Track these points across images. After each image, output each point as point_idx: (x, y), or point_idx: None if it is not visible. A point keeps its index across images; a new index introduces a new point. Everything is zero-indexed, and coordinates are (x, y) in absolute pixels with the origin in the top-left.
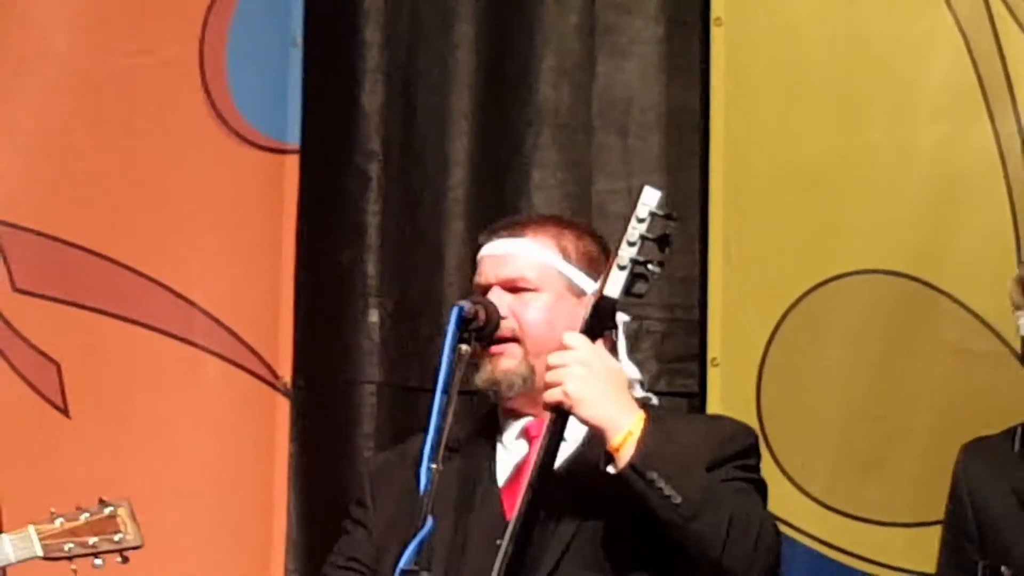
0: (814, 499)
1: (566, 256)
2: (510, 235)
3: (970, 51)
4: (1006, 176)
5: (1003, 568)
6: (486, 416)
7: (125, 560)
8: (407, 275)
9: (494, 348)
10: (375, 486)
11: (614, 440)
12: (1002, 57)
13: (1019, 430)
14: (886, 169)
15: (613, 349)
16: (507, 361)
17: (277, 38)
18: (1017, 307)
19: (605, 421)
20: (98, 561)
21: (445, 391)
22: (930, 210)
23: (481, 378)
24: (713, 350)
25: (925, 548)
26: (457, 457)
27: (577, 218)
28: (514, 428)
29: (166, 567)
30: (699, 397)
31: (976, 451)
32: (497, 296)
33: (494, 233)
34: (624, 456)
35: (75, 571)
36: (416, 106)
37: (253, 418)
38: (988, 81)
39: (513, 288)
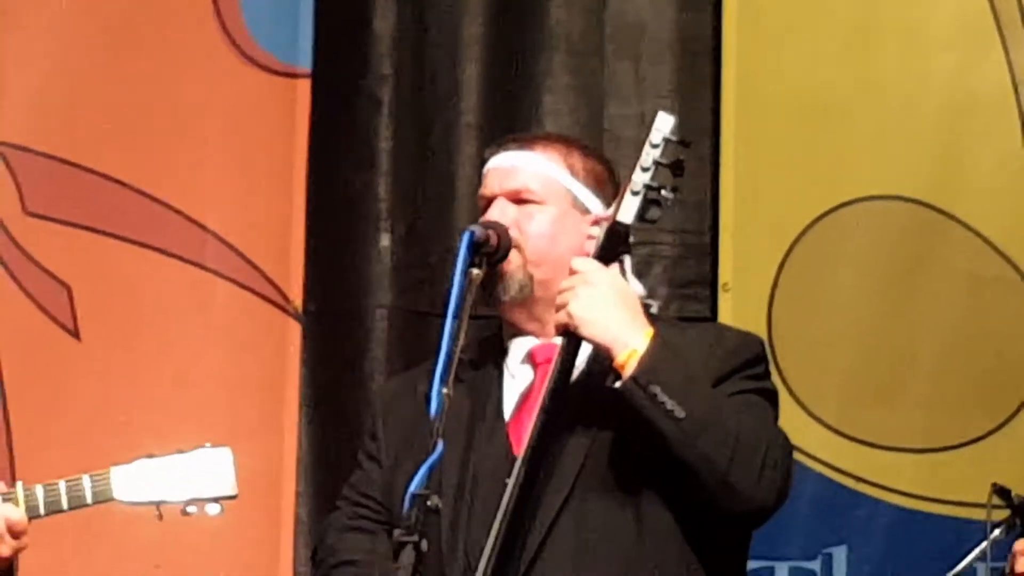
0: (825, 425)
1: (573, 172)
2: (518, 148)
3: None
4: (1018, 104)
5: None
6: (491, 340)
7: (221, 511)
8: (418, 200)
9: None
10: (384, 415)
11: (620, 356)
12: None
13: None
14: (898, 96)
15: (622, 272)
16: (505, 266)
17: None
18: None
19: (611, 340)
20: (191, 510)
21: (456, 315)
22: (942, 137)
23: (510, 292)
24: (724, 275)
25: (936, 473)
26: (463, 386)
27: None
28: (519, 351)
29: None
30: (709, 321)
31: None
32: (501, 207)
33: (501, 146)
34: (627, 371)
35: (160, 517)
36: (428, 31)
37: (264, 342)
38: (1001, 10)
39: (518, 199)
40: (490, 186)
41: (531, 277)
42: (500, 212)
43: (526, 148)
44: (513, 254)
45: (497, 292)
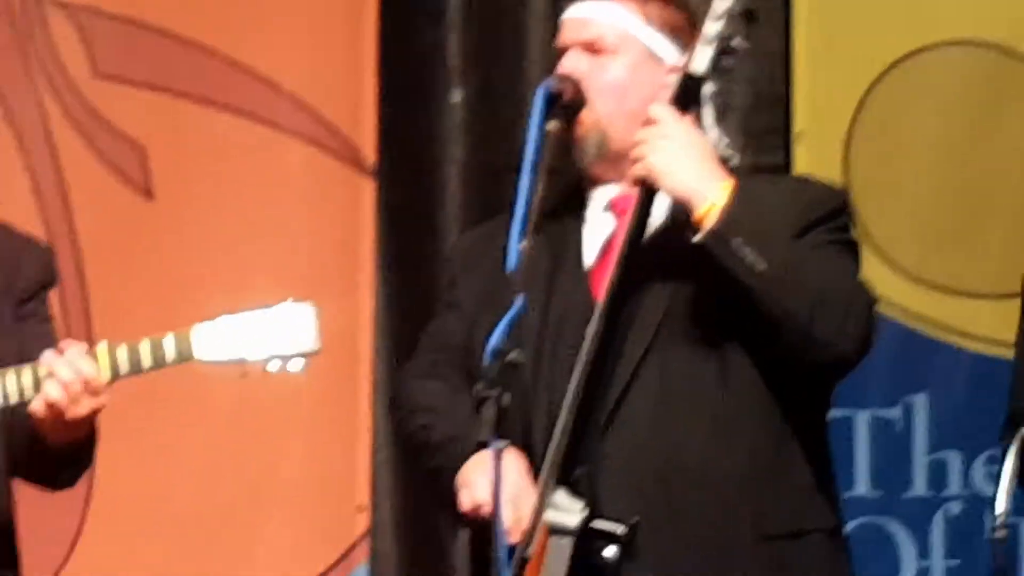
0: (903, 272)
1: (649, 21)
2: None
3: None
4: None
5: None
6: (570, 191)
7: (304, 366)
8: (489, 56)
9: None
10: (463, 267)
11: (699, 209)
12: None
13: None
14: None
15: (698, 124)
16: (579, 128)
17: None
18: None
19: (690, 191)
20: (273, 366)
21: (533, 169)
22: None
23: (587, 147)
24: (798, 124)
25: (1013, 319)
26: (543, 237)
27: None
28: (599, 199)
29: None
30: (785, 170)
31: None
32: (575, 58)
33: None
34: (706, 224)
35: (245, 375)
36: None
37: (339, 199)
38: None
39: (591, 50)
40: (565, 37)
41: (605, 134)
42: (573, 62)
43: None
44: (585, 113)
45: (575, 155)
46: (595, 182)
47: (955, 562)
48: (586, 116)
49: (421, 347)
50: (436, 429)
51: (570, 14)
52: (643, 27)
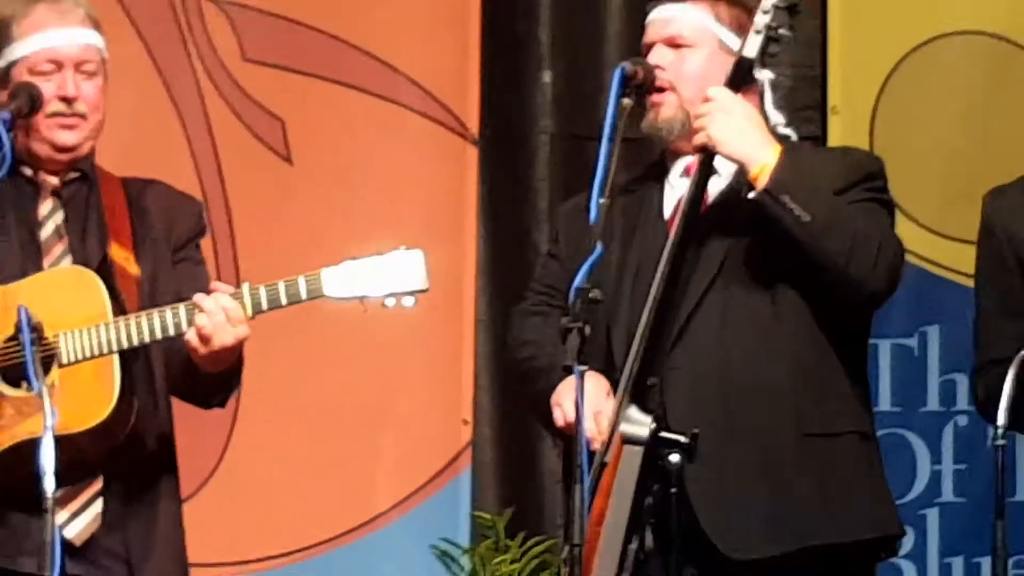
0: (922, 225)
1: (719, 19)
2: (673, 1)
3: None
4: None
5: None
6: (655, 162)
7: (415, 303)
8: (574, 42)
9: (655, 97)
10: (564, 225)
11: (753, 170)
12: None
13: None
14: None
15: (760, 101)
16: (666, 110)
17: None
18: None
19: (744, 156)
20: (390, 302)
21: (611, 138)
22: None
23: (646, 125)
24: (833, 99)
25: None
26: (629, 196)
27: None
28: (678, 167)
29: None
30: (822, 140)
31: (999, 194)
32: (660, 52)
33: (659, 1)
34: (760, 183)
35: (366, 310)
36: None
37: (447, 164)
38: None
39: (674, 45)
40: (650, 35)
41: (687, 114)
42: (659, 56)
43: (680, 0)
44: (669, 96)
45: (663, 136)
46: (677, 154)
47: (962, 466)
48: (669, 100)
49: (529, 290)
50: (538, 359)
51: (654, 15)
52: (715, 23)
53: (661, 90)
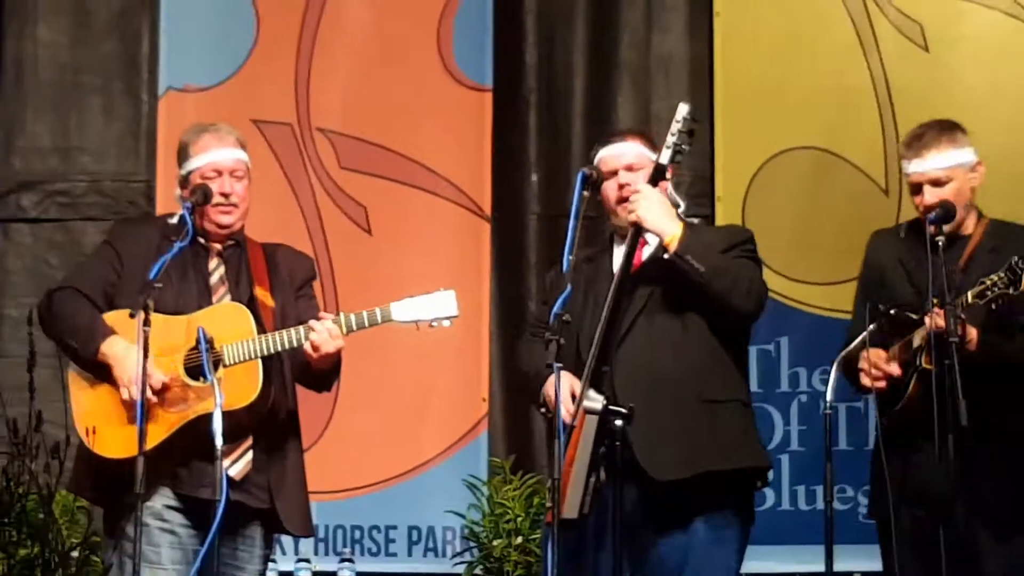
0: (776, 272)
1: (647, 146)
2: (620, 140)
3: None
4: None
5: (879, 305)
6: (607, 240)
7: (450, 323)
8: (551, 154)
9: (625, 205)
10: (549, 286)
11: (666, 239)
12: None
13: (903, 225)
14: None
15: (666, 191)
16: (622, 211)
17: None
18: (902, 157)
19: (660, 229)
20: (434, 323)
21: (576, 216)
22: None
23: (619, 220)
24: (718, 191)
25: (832, 296)
26: (590, 262)
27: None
28: (620, 244)
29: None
30: (711, 219)
31: (878, 236)
32: (624, 176)
33: (610, 139)
34: (672, 247)
35: (418, 329)
36: (553, 48)
37: (470, 236)
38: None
39: (629, 169)
40: (611, 164)
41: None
42: (625, 177)
43: (627, 139)
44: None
45: (613, 220)
46: (620, 236)
47: (804, 427)
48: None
49: (529, 325)
50: (532, 369)
51: (607, 151)
52: (646, 150)
53: (625, 199)
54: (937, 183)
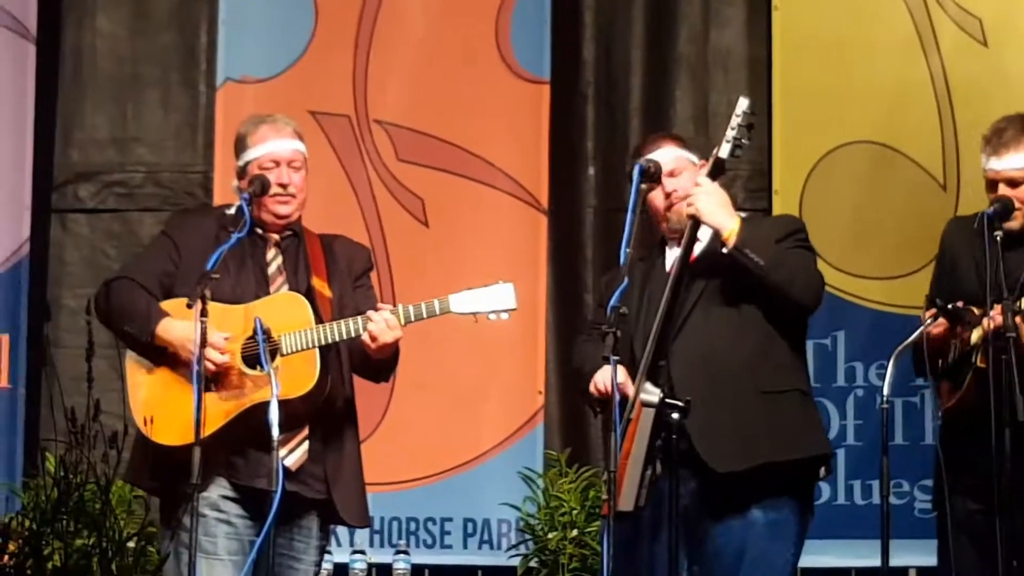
0: (833, 266)
1: (688, 150)
2: (656, 147)
3: None
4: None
5: (937, 300)
6: (658, 242)
7: (508, 316)
8: (608, 147)
9: (674, 208)
10: (607, 286)
11: (724, 233)
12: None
13: (981, 215)
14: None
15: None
16: (673, 213)
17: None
18: (982, 151)
19: (719, 223)
20: (492, 316)
21: (634, 210)
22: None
23: (673, 223)
24: (776, 185)
25: (894, 290)
26: (644, 260)
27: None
28: (672, 245)
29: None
30: (768, 212)
31: (956, 222)
32: (668, 183)
33: (643, 149)
34: (730, 242)
35: (476, 321)
36: (612, 42)
37: (527, 227)
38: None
39: (671, 174)
40: (656, 167)
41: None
42: (673, 183)
43: (662, 145)
44: (676, 201)
45: (666, 224)
46: (671, 237)
47: (860, 421)
48: (679, 207)
49: (587, 327)
50: (586, 366)
51: (655, 156)
52: (688, 154)
53: (659, 185)
54: (1012, 183)
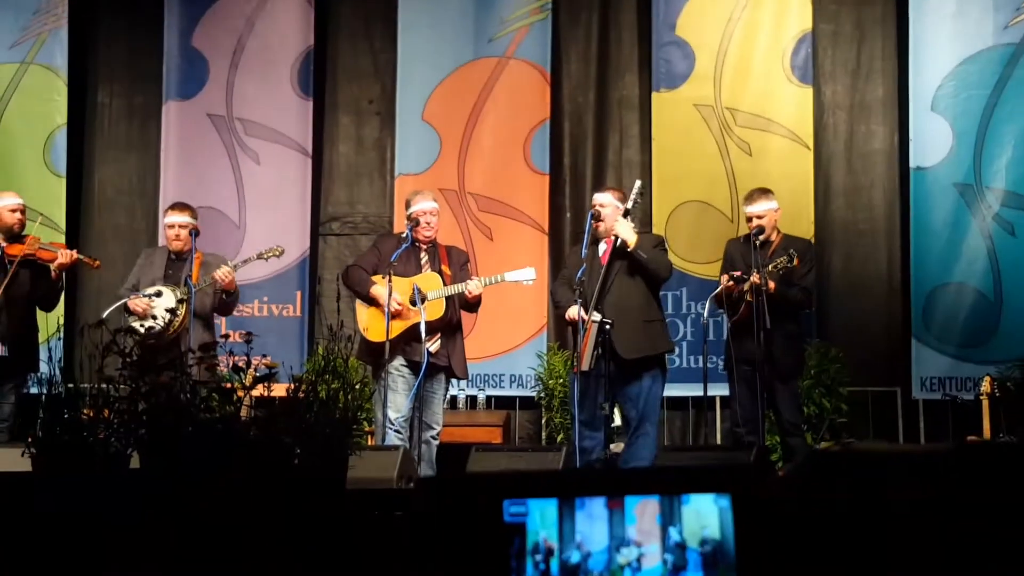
0: (680, 256)
1: (618, 197)
2: (603, 193)
3: None
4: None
5: (730, 272)
6: (595, 240)
7: (532, 282)
8: (581, 206)
9: (600, 223)
10: (570, 258)
11: (630, 243)
12: None
13: (748, 234)
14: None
15: (631, 220)
16: (602, 227)
17: None
18: (744, 204)
19: (627, 237)
20: (526, 282)
21: (588, 232)
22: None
23: (600, 231)
24: (654, 220)
25: (709, 269)
26: (591, 251)
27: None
28: (602, 243)
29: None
30: (650, 232)
31: (732, 240)
32: (601, 211)
33: (603, 192)
34: (631, 247)
35: (519, 284)
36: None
37: (538, 244)
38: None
39: (602, 205)
40: (594, 209)
41: (609, 230)
42: (606, 213)
43: (606, 193)
44: (602, 224)
45: (602, 234)
46: (602, 238)
47: (692, 330)
48: (603, 225)
49: (560, 277)
50: (561, 302)
51: (598, 199)
52: (616, 200)
53: (600, 220)
54: (758, 217)
